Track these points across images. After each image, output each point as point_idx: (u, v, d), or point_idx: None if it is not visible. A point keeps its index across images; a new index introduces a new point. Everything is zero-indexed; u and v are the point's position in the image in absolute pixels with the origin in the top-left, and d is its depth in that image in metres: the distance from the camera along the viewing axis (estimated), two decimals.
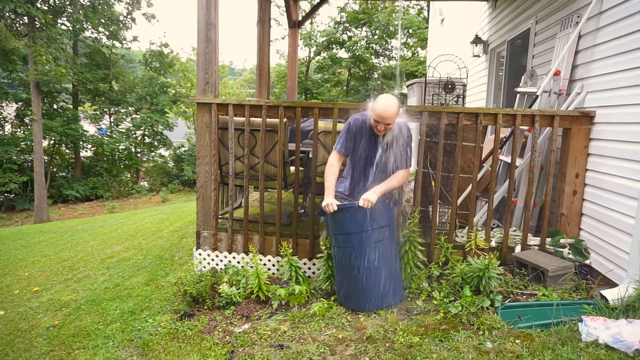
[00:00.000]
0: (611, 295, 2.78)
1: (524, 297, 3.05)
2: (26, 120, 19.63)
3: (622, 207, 2.99)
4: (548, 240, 3.50)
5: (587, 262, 3.33)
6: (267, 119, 3.68)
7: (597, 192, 3.32)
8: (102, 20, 20.69)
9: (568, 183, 3.49)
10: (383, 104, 2.90)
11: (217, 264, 3.93)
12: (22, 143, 19.02)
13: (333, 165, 3.13)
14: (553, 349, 2.40)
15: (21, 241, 8.14)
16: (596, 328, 2.46)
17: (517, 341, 2.50)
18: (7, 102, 19.26)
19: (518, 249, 3.52)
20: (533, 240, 3.60)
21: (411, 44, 25.25)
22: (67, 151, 21.90)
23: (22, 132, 19.92)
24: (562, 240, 3.46)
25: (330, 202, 2.95)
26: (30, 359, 3.10)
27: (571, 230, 3.52)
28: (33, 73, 16.54)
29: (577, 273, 3.23)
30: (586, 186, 3.47)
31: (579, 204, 3.50)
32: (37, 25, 17.23)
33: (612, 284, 3.02)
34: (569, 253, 3.40)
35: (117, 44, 22.29)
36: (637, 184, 2.83)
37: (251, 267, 3.52)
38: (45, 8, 18.04)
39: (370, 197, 2.91)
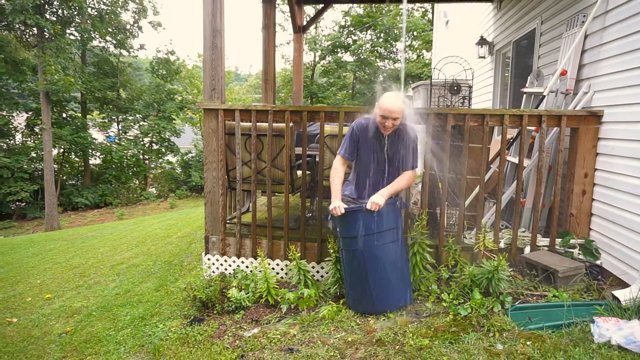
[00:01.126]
0: (623, 295, 2.75)
1: (534, 298, 3.03)
2: (36, 129, 19.89)
3: (632, 206, 2.96)
4: (558, 240, 3.48)
5: (598, 262, 3.30)
6: (274, 124, 3.70)
7: (606, 191, 3.29)
8: (110, 30, 20.96)
9: (577, 183, 3.47)
10: (390, 99, 2.92)
11: (225, 269, 3.95)
12: (33, 152, 19.26)
13: (338, 169, 3.14)
14: (565, 350, 2.38)
15: (33, 249, 8.23)
16: (608, 329, 2.44)
17: (528, 343, 2.49)
18: (17, 111, 19.54)
19: (527, 250, 3.50)
20: (542, 241, 3.58)
21: (416, 46, 25.23)
22: (77, 159, 22.13)
23: (32, 141, 20.17)
24: (572, 241, 3.44)
25: (337, 205, 2.96)
26: None
27: (581, 231, 3.50)
28: (42, 83, 16.78)
29: (587, 274, 3.20)
30: (595, 186, 3.44)
31: (588, 204, 3.48)
32: (46, 36, 17.48)
33: (624, 285, 2.99)
34: (579, 253, 3.38)
35: (124, 52, 22.56)
36: None
37: (260, 271, 3.53)
38: (54, 19, 18.30)
39: (377, 199, 2.91)
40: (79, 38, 19.58)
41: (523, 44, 5.85)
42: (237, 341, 2.90)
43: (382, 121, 2.96)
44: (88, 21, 19.55)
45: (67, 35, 18.93)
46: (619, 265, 3.10)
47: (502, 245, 3.58)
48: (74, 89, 18.57)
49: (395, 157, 3.09)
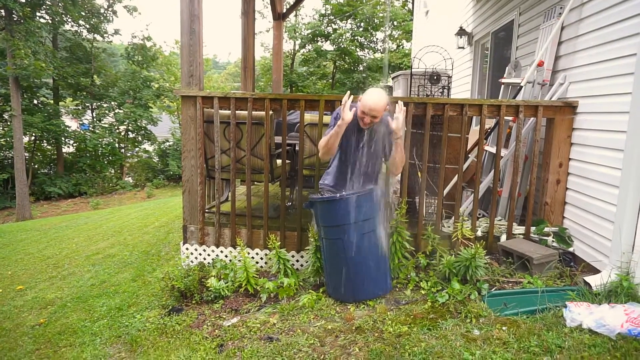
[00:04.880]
0: (594, 281, 2.84)
1: (510, 285, 3.10)
2: (5, 116, 19.11)
3: (604, 195, 3.04)
4: (533, 229, 3.56)
5: (571, 249, 3.40)
6: (253, 112, 3.65)
7: (580, 180, 3.37)
8: (83, 13, 20.21)
9: (552, 172, 3.55)
10: (373, 97, 2.88)
11: (204, 258, 3.91)
12: (2, 139, 18.57)
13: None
14: (539, 334, 2.45)
15: (3, 239, 7.98)
16: (580, 313, 2.52)
17: (503, 328, 2.54)
18: None
19: (503, 238, 3.57)
20: (518, 229, 3.65)
21: (396, 36, 25.26)
22: (49, 147, 21.46)
23: (1, 128, 19.44)
24: (546, 229, 3.52)
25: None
26: (15, 358, 3.05)
27: (555, 219, 3.58)
28: (11, 67, 16.11)
29: (561, 260, 3.29)
30: (569, 175, 3.52)
31: (562, 193, 3.56)
32: (15, 19, 16.76)
33: (595, 271, 3.08)
34: (553, 241, 3.46)
35: (98, 37, 21.84)
36: (618, 172, 2.88)
37: (239, 260, 3.51)
38: (23, 0, 17.56)
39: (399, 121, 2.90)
40: (50, 21, 18.86)
41: (501, 35, 5.92)
42: (216, 330, 2.88)
43: (361, 116, 2.94)
44: (59, 4, 18.82)
45: (37, 18, 18.19)
46: (590, 252, 3.19)
47: (479, 233, 3.64)
48: (45, 74, 17.91)
49: (377, 147, 3.08)
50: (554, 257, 3.23)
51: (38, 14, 18.33)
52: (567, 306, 2.62)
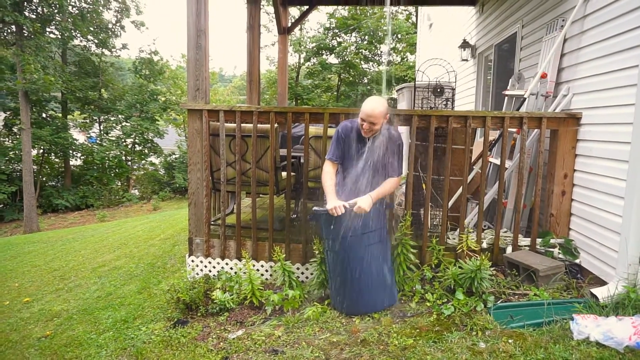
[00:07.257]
0: (601, 293, 2.82)
1: (516, 297, 3.08)
2: (15, 129, 19.41)
3: (609, 206, 3.03)
4: (538, 240, 3.54)
5: (577, 261, 3.37)
6: (258, 125, 3.69)
7: (585, 192, 3.37)
8: (91, 28, 20.62)
9: (557, 184, 3.54)
10: (370, 103, 2.97)
11: (210, 271, 3.92)
12: (11, 152, 18.80)
13: (329, 172, 3.16)
14: (545, 347, 2.43)
15: (10, 252, 8.04)
16: (587, 326, 2.50)
17: (510, 341, 2.53)
18: None
19: (509, 249, 3.55)
20: (524, 241, 3.64)
21: (400, 48, 25.43)
22: (57, 160, 21.70)
23: (10, 141, 19.70)
24: (552, 241, 3.50)
25: (336, 205, 2.92)
26: None
27: (561, 230, 3.57)
28: (21, 82, 16.40)
29: (567, 272, 3.27)
30: (574, 186, 3.52)
31: (567, 204, 3.55)
32: (25, 34, 17.11)
33: (601, 283, 3.06)
34: (559, 253, 3.44)
35: (106, 51, 22.21)
36: (623, 183, 2.88)
37: (244, 272, 3.52)
38: (34, 16, 17.93)
39: (364, 204, 2.91)
40: (59, 37, 19.22)
41: (505, 47, 5.96)
42: (221, 343, 2.88)
43: (360, 123, 3.03)
44: (69, 19, 19.19)
45: (47, 33, 18.55)
46: (596, 264, 3.17)
47: (484, 245, 3.63)
48: (54, 88, 18.22)
49: (380, 161, 3.10)
50: (560, 269, 3.21)
51: (48, 29, 18.72)
52: (574, 319, 2.60)
